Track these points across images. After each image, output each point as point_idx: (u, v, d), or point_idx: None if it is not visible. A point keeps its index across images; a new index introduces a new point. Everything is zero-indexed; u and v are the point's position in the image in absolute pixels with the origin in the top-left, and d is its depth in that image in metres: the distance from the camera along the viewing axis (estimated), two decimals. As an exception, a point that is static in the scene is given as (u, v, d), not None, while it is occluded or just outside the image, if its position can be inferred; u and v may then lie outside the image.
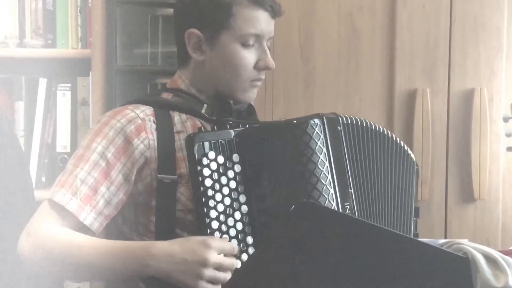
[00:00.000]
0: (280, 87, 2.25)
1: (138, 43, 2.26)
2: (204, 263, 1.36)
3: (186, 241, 1.41)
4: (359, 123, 1.58)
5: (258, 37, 1.57)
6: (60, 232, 1.45)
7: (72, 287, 2.27)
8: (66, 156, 2.27)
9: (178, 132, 1.55)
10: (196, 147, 1.43)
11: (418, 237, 1.63)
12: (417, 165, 1.68)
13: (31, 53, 2.27)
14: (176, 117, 1.58)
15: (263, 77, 1.62)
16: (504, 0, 2.26)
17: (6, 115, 2.15)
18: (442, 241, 1.33)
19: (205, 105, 1.59)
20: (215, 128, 1.50)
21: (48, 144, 2.29)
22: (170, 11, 2.24)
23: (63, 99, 2.28)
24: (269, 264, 1.25)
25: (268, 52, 1.59)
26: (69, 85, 2.28)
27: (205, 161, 1.43)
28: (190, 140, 1.44)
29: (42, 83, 2.28)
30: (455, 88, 2.27)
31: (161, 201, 1.52)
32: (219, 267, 1.37)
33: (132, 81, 2.23)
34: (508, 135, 2.24)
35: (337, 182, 1.50)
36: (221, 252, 1.39)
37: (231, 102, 1.59)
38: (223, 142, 1.46)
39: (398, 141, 1.66)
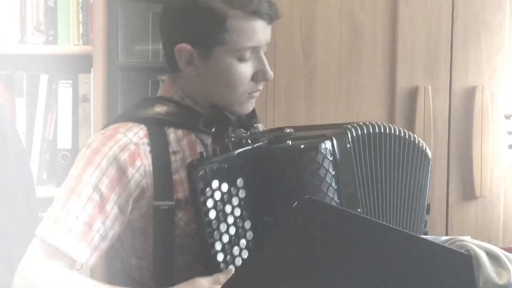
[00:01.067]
0: (282, 85, 2.24)
1: (139, 39, 2.26)
2: None
3: (192, 286, 1.36)
4: (370, 131, 1.49)
5: (255, 49, 1.47)
6: (59, 277, 1.39)
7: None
8: (67, 152, 2.27)
9: (174, 153, 1.47)
10: (198, 177, 1.35)
11: (427, 235, 1.63)
12: (431, 161, 1.63)
13: (32, 50, 2.27)
14: (171, 134, 1.48)
15: (261, 87, 1.52)
16: (506, -3, 2.26)
17: (7, 111, 2.16)
18: (445, 238, 1.33)
19: (203, 117, 1.49)
20: (218, 151, 1.41)
21: (49, 141, 2.29)
22: (172, 7, 2.24)
23: (64, 95, 2.28)
24: (271, 262, 1.25)
25: (265, 62, 1.49)
26: (70, 81, 2.28)
27: (208, 192, 1.36)
28: (192, 169, 1.35)
29: (43, 79, 2.28)
30: (456, 85, 2.27)
31: (158, 228, 1.45)
32: None
33: (134, 77, 2.23)
34: (509, 133, 2.24)
35: (346, 205, 1.43)
36: None
37: (228, 115, 1.50)
38: (226, 166, 1.38)
39: (416, 141, 1.59)
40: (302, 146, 1.40)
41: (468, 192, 2.28)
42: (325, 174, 1.38)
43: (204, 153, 1.40)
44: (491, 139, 2.26)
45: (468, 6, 2.25)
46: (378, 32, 2.26)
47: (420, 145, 1.60)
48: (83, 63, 2.26)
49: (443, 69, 2.26)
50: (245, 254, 1.39)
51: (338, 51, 2.26)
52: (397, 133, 1.55)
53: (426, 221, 1.63)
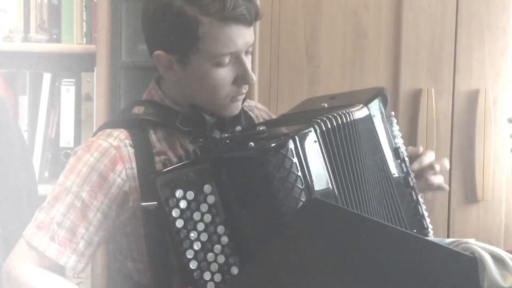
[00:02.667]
0: (285, 85, 2.24)
1: (143, 39, 2.24)
2: None
3: None
4: (334, 124, 1.43)
5: (234, 54, 1.43)
6: (45, 281, 1.40)
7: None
8: (69, 151, 2.27)
9: (158, 153, 1.47)
10: (160, 188, 1.34)
11: (426, 222, 1.61)
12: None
13: (35, 48, 2.26)
14: (153, 136, 1.49)
15: (244, 91, 1.50)
16: (511, 1, 2.26)
17: (10, 109, 2.15)
18: (449, 240, 1.32)
19: (180, 116, 1.49)
20: (183, 158, 1.40)
21: (51, 139, 2.29)
22: (176, 7, 2.24)
23: (67, 94, 2.28)
24: (275, 261, 1.25)
25: (247, 66, 1.46)
26: (73, 80, 2.28)
27: (172, 202, 1.34)
28: (153, 182, 1.35)
29: (46, 78, 2.27)
30: (460, 88, 2.27)
31: (149, 229, 1.45)
32: None
33: (137, 76, 2.23)
34: (512, 136, 2.24)
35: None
36: None
37: (205, 116, 1.48)
38: (191, 173, 1.36)
39: (368, 113, 1.52)
40: (260, 150, 1.35)
41: (470, 195, 2.28)
42: (288, 175, 1.33)
43: (168, 162, 1.40)
44: (493, 142, 2.26)
45: (472, 9, 2.25)
46: (382, 34, 2.26)
47: (372, 115, 1.55)
48: (86, 61, 2.26)
49: (446, 72, 2.26)
50: (221, 259, 1.36)
51: (342, 52, 2.26)
52: (360, 116, 1.50)
53: (420, 206, 1.60)
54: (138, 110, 1.52)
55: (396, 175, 1.58)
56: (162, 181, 1.35)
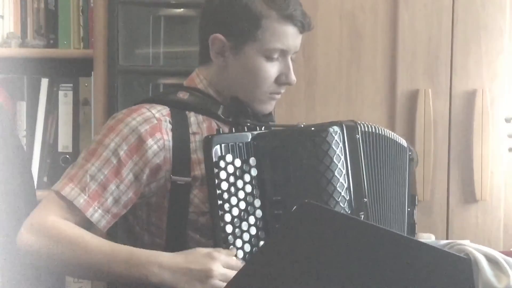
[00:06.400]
0: (282, 87, 2.24)
1: (140, 43, 2.26)
2: (209, 273, 1.37)
3: (192, 252, 1.42)
4: (376, 131, 1.56)
5: (283, 52, 1.56)
6: (66, 227, 1.45)
7: (74, 287, 2.28)
8: (68, 156, 2.27)
9: (194, 134, 1.55)
10: (213, 149, 1.42)
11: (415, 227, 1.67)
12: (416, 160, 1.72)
13: (33, 53, 2.27)
14: (192, 117, 1.57)
15: (282, 91, 1.62)
16: (507, 1, 2.26)
17: (8, 114, 2.16)
18: (444, 242, 1.33)
19: (222, 106, 1.58)
20: (233, 130, 1.49)
21: (49, 144, 2.29)
22: (173, 11, 2.25)
23: (65, 99, 2.29)
24: (270, 265, 1.25)
25: (291, 67, 1.58)
26: (71, 85, 2.29)
27: (222, 164, 1.42)
28: (208, 142, 1.42)
29: (44, 83, 2.28)
30: (457, 89, 2.27)
31: (174, 203, 1.52)
32: (224, 279, 1.37)
33: (134, 81, 2.23)
34: (510, 136, 2.24)
35: (354, 191, 1.49)
36: (226, 266, 1.38)
37: (248, 107, 1.58)
38: (240, 145, 1.45)
39: (408, 150, 1.67)
40: (312, 128, 1.48)
41: (469, 195, 2.28)
42: (334, 156, 1.45)
43: (221, 129, 1.48)
44: (491, 142, 2.26)
45: (468, 9, 2.25)
46: (378, 35, 2.26)
47: (409, 153, 1.68)
48: (84, 66, 2.26)
49: (443, 73, 2.26)
50: (253, 231, 1.44)
51: (339, 53, 2.26)
52: (398, 141, 1.63)
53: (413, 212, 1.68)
54: (183, 95, 1.59)
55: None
56: (217, 143, 1.42)
